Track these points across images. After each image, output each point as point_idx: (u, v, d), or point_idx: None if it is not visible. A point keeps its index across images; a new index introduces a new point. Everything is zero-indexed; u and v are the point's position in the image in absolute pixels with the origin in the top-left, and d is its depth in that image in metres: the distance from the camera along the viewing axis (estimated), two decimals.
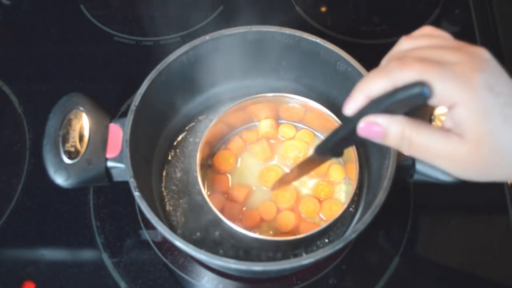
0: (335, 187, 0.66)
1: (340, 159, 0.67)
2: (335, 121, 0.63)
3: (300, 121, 0.70)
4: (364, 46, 0.84)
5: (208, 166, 0.68)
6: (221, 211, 0.62)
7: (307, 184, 0.66)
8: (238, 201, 0.64)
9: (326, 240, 0.63)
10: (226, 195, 0.65)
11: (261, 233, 0.62)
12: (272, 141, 0.69)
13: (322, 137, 0.69)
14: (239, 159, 0.68)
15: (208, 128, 0.63)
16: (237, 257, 0.62)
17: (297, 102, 0.65)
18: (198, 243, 0.63)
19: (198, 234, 0.64)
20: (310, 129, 0.70)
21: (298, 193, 0.65)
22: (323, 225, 0.56)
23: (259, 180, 0.66)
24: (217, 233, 0.63)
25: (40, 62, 0.83)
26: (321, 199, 0.64)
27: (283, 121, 0.70)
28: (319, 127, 0.69)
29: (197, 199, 0.66)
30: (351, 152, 0.61)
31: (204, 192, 0.59)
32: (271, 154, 0.67)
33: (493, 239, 0.68)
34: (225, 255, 0.60)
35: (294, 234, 0.62)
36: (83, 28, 0.87)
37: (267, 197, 0.65)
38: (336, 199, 0.65)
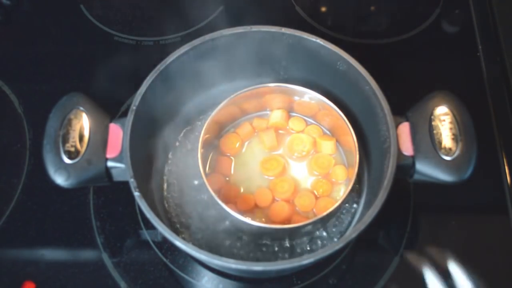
0: (334, 187, 0.66)
1: (345, 161, 0.68)
2: (346, 124, 0.63)
3: (312, 117, 0.71)
4: (364, 46, 0.84)
5: (214, 147, 0.69)
6: (218, 192, 0.63)
7: (307, 179, 0.66)
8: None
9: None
10: (227, 178, 0.66)
11: (253, 218, 0.63)
12: (281, 131, 0.70)
13: (330, 134, 0.70)
14: (245, 144, 0.69)
15: (219, 106, 0.64)
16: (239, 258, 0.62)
17: (313, 97, 0.66)
18: (199, 242, 0.63)
19: (198, 233, 0.64)
20: (320, 126, 0.70)
21: (297, 186, 0.65)
22: (312, 219, 0.57)
23: (260, 168, 0.67)
24: (218, 231, 0.64)
25: (40, 62, 0.83)
26: (318, 196, 0.65)
27: (295, 114, 0.71)
28: (329, 125, 0.69)
29: (198, 198, 0.66)
30: (354, 156, 0.61)
31: (202, 170, 0.60)
32: (277, 144, 0.68)
33: (493, 239, 0.68)
34: (226, 254, 0.60)
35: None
36: (83, 28, 0.87)
37: (266, 185, 0.66)
38: (333, 198, 0.65)
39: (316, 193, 0.65)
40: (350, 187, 0.59)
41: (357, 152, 0.61)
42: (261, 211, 0.64)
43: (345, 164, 0.67)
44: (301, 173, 0.67)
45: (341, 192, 0.65)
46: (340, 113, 0.63)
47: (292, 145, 0.68)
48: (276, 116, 0.69)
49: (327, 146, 0.67)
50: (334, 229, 0.64)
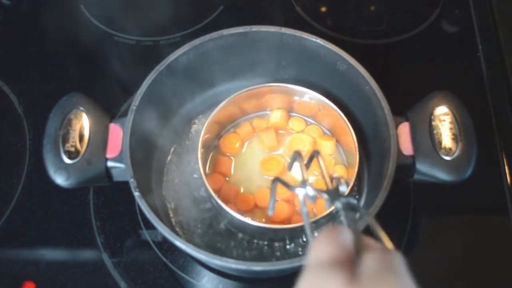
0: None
1: (345, 161, 0.67)
2: (346, 123, 0.63)
3: (312, 117, 0.71)
4: (364, 46, 0.84)
5: (214, 147, 0.69)
6: (218, 192, 0.63)
7: (307, 179, 0.66)
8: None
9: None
10: (227, 178, 0.66)
11: (253, 218, 0.63)
12: (280, 131, 0.70)
13: (330, 134, 0.70)
14: (245, 144, 0.69)
15: (219, 106, 0.64)
16: (238, 254, 0.62)
17: (313, 97, 0.66)
18: (199, 242, 0.63)
19: (198, 233, 0.64)
20: (320, 126, 0.70)
21: None
22: (313, 219, 0.57)
23: (260, 168, 0.67)
24: (218, 231, 0.64)
25: (40, 62, 0.83)
26: (317, 196, 0.65)
27: (295, 114, 0.71)
28: (329, 125, 0.69)
29: (198, 198, 0.66)
30: (354, 156, 0.61)
31: (202, 170, 0.60)
32: (276, 144, 0.68)
33: (493, 239, 0.68)
34: (226, 254, 0.60)
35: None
36: (83, 28, 0.87)
37: (265, 185, 0.66)
38: None
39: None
40: (350, 187, 0.59)
41: (357, 152, 0.61)
42: (261, 211, 0.64)
43: (345, 164, 0.67)
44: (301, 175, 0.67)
45: None
46: (340, 113, 0.63)
47: (292, 145, 0.68)
48: (276, 116, 0.69)
49: (327, 146, 0.67)
50: None
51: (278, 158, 0.67)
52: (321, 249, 0.34)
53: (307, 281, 0.33)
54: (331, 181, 0.43)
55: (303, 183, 0.42)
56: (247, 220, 0.57)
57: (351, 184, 0.59)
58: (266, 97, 0.68)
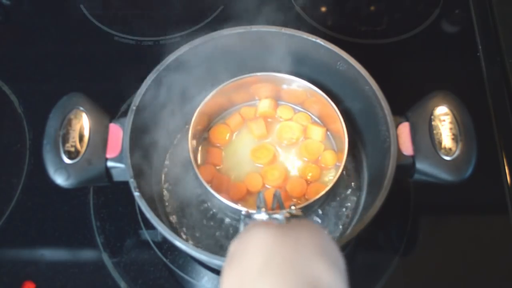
0: (324, 172, 0.66)
1: (334, 146, 0.68)
2: (334, 109, 0.63)
3: (300, 104, 0.71)
4: (364, 46, 0.84)
5: (204, 138, 0.69)
6: (210, 182, 0.64)
7: (298, 165, 0.67)
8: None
9: None
10: (218, 168, 0.67)
11: (246, 205, 0.63)
12: (269, 120, 0.70)
13: (319, 122, 0.70)
14: (235, 135, 0.69)
15: (207, 97, 0.64)
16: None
17: (300, 85, 0.66)
18: (199, 242, 0.63)
19: (198, 233, 0.64)
20: (308, 113, 0.70)
21: (287, 173, 0.66)
22: (305, 203, 0.57)
23: (251, 156, 0.67)
24: (218, 231, 0.64)
25: (40, 62, 0.83)
26: (309, 181, 0.65)
27: (283, 103, 0.71)
28: (318, 113, 0.70)
29: (197, 197, 0.66)
30: (343, 140, 0.62)
31: (194, 161, 0.60)
32: (266, 132, 0.68)
33: (493, 239, 0.68)
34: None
35: None
36: (83, 28, 0.87)
37: (255, 171, 0.66)
38: (324, 183, 0.65)
39: (306, 178, 0.65)
40: (340, 171, 0.59)
41: (346, 136, 0.61)
42: (254, 198, 0.64)
43: (334, 149, 0.68)
44: (291, 160, 0.67)
45: (331, 176, 0.65)
46: (327, 99, 0.63)
47: (281, 133, 0.68)
48: (264, 105, 0.70)
49: (317, 132, 0.68)
50: (333, 229, 0.64)
51: (268, 146, 0.67)
52: (250, 224, 0.43)
53: (236, 240, 0.39)
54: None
55: (259, 210, 0.48)
56: (240, 207, 0.57)
57: (341, 167, 0.59)
58: (254, 86, 0.68)
